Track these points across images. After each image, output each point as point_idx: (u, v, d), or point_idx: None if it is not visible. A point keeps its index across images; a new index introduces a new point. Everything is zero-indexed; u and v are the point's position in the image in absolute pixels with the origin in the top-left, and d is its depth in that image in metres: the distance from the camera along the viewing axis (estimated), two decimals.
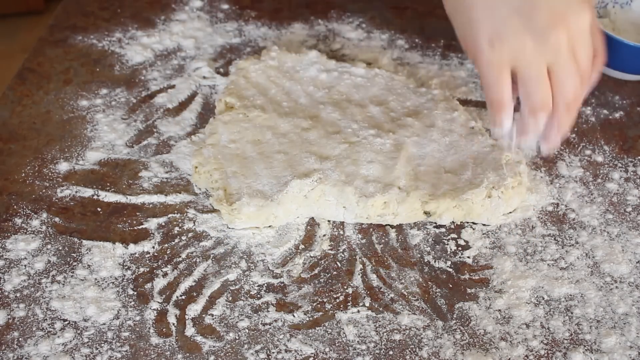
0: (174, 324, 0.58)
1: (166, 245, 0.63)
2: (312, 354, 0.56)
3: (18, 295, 0.59)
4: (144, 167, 0.70)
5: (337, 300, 0.60)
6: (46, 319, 0.57)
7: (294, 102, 0.73)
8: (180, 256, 0.63)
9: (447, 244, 0.65)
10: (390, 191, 0.64)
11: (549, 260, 0.64)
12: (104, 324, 0.57)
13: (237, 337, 0.57)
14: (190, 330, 0.58)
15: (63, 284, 0.60)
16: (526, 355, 0.57)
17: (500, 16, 0.54)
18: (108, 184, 0.68)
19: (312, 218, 0.66)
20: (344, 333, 0.58)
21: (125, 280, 0.61)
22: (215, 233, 0.64)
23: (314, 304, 0.60)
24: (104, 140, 0.72)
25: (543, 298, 0.61)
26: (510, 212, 0.67)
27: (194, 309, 0.59)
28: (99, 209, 0.66)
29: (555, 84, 0.56)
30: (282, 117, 0.71)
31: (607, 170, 0.72)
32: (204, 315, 0.59)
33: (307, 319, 0.59)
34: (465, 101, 0.79)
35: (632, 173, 0.72)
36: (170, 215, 0.66)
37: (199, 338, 0.57)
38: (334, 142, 0.69)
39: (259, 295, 0.60)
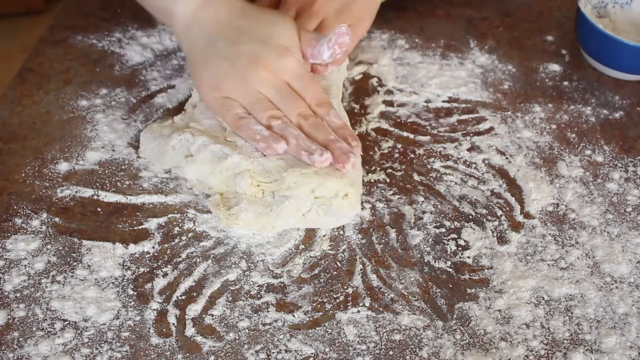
0: (174, 324, 0.58)
1: (166, 245, 0.63)
2: (312, 354, 0.56)
3: (18, 295, 0.59)
4: (144, 167, 0.70)
5: (337, 300, 0.60)
6: (46, 319, 0.57)
7: None
8: (180, 256, 0.63)
9: (447, 244, 0.65)
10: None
11: (549, 260, 0.64)
12: (104, 324, 0.57)
13: (237, 337, 0.57)
14: (190, 330, 0.58)
15: (63, 284, 0.60)
16: (526, 356, 0.57)
17: (214, 65, 0.67)
18: (108, 184, 0.68)
19: None
20: (344, 333, 0.58)
21: (125, 280, 0.61)
22: (215, 233, 0.64)
23: (314, 304, 0.60)
24: (104, 140, 0.72)
25: (543, 298, 0.61)
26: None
27: (194, 309, 0.59)
28: (99, 209, 0.66)
29: (278, 105, 0.67)
30: None
31: (607, 170, 0.72)
32: (204, 315, 0.59)
33: (307, 319, 0.59)
34: (465, 101, 0.79)
35: (632, 173, 0.72)
36: (170, 215, 0.66)
37: (199, 338, 0.57)
38: None
39: (259, 295, 0.60)
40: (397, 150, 0.73)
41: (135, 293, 0.60)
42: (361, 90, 0.80)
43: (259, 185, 0.63)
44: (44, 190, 0.67)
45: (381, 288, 0.61)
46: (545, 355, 0.57)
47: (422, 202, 0.68)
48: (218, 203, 0.64)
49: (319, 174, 0.62)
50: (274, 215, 0.63)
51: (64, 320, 0.57)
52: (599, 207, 0.69)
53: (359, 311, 0.59)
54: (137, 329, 0.57)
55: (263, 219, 0.63)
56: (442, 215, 0.67)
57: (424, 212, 0.68)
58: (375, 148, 0.73)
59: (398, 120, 0.77)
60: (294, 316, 0.59)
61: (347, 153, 0.63)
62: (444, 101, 0.79)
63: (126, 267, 0.61)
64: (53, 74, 0.79)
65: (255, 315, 0.59)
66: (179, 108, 0.76)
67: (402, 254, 0.64)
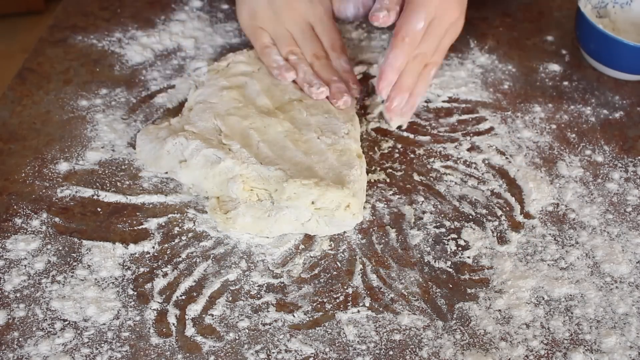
0: (174, 324, 0.58)
1: (166, 245, 0.63)
2: (312, 354, 0.56)
3: (18, 295, 0.59)
4: (143, 167, 0.70)
5: (337, 300, 0.60)
6: (46, 319, 0.57)
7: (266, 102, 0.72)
8: (180, 256, 0.63)
9: (447, 244, 0.65)
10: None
11: (549, 260, 0.64)
12: (104, 324, 0.57)
13: (237, 337, 0.57)
14: (190, 330, 0.58)
15: (63, 284, 0.60)
16: (526, 356, 0.57)
17: (256, 1, 0.77)
18: (108, 184, 0.68)
19: None
20: (344, 333, 0.58)
21: (125, 280, 0.61)
22: (215, 233, 0.64)
23: (314, 304, 0.60)
24: (104, 140, 0.72)
25: (543, 298, 0.61)
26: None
27: (194, 309, 0.59)
28: (99, 209, 0.66)
29: (299, 43, 0.77)
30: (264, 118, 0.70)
31: (607, 170, 0.72)
32: (204, 315, 0.59)
33: (307, 319, 0.59)
34: (465, 101, 0.79)
35: (632, 173, 0.72)
36: (170, 215, 0.66)
37: (199, 338, 0.57)
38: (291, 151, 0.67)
39: (259, 295, 0.60)
40: (397, 150, 0.73)
41: (135, 293, 0.60)
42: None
43: (252, 189, 0.63)
44: (44, 190, 0.67)
45: (381, 288, 0.61)
46: (545, 355, 0.57)
47: (422, 202, 0.68)
48: (215, 207, 0.64)
49: (319, 185, 0.62)
50: (272, 221, 0.63)
51: (64, 320, 0.57)
52: (599, 207, 0.69)
53: (359, 311, 0.59)
54: (137, 329, 0.57)
55: (261, 223, 0.63)
56: (442, 215, 0.67)
57: (424, 212, 0.68)
58: (375, 148, 0.73)
59: None
60: (294, 316, 0.59)
61: (342, 92, 0.73)
62: (444, 101, 0.79)
63: (126, 267, 0.61)
64: (53, 74, 0.79)
65: (255, 315, 0.59)
66: (179, 108, 0.76)
67: (402, 254, 0.64)
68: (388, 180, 0.70)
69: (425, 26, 0.68)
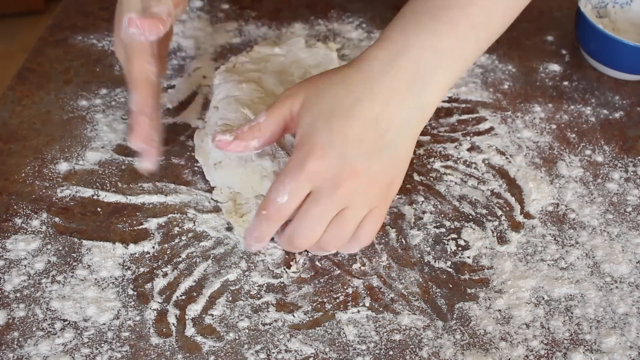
0: (174, 324, 0.58)
1: (166, 245, 0.63)
2: (312, 354, 0.56)
3: (18, 295, 0.59)
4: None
5: (337, 300, 0.60)
6: (46, 319, 0.57)
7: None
8: (180, 256, 0.63)
9: (447, 244, 0.65)
10: None
11: (549, 260, 0.64)
12: (104, 324, 0.57)
13: (237, 337, 0.57)
14: (190, 330, 0.58)
15: (63, 284, 0.60)
16: (526, 356, 0.57)
17: None
18: (108, 184, 0.68)
19: None
20: (344, 333, 0.58)
21: (125, 280, 0.61)
22: (215, 233, 0.64)
23: (314, 304, 0.60)
24: (104, 140, 0.72)
25: (543, 298, 0.61)
26: None
27: (194, 309, 0.59)
28: (99, 209, 0.66)
29: None
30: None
31: (607, 170, 0.72)
32: (204, 315, 0.59)
33: (307, 319, 0.59)
34: (465, 101, 0.79)
35: (632, 173, 0.72)
36: (170, 215, 0.66)
37: (199, 338, 0.57)
38: None
39: (259, 295, 0.60)
40: None
41: (135, 293, 0.60)
42: None
43: None
44: (44, 190, 0.67)
45: (381, 288, 0.61)
46: (545, 355, 0.57)
47: (422, 202, 0.68)
48: (231, 210, 0.64)
49: None
50: None
51: (64, 320, 0.57)
52: (599, 207, 0.69)
53: (359, 311, 0.59)
54: (137, 329, 0.57)
55: None
56: (442, 215, 0.67)
57: (424, 212, 0.68)
58: None
59: None
60: (294, 316, 0.59)
61: None
62: (444, 101, 0.79)
63: (126, 267, 0.61)
64: (53, 74, 0.79)
65: (255, 315, 0.59)
66: (179, 108, 0.76)
67: (402, 254, 0.64)
68: None
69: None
